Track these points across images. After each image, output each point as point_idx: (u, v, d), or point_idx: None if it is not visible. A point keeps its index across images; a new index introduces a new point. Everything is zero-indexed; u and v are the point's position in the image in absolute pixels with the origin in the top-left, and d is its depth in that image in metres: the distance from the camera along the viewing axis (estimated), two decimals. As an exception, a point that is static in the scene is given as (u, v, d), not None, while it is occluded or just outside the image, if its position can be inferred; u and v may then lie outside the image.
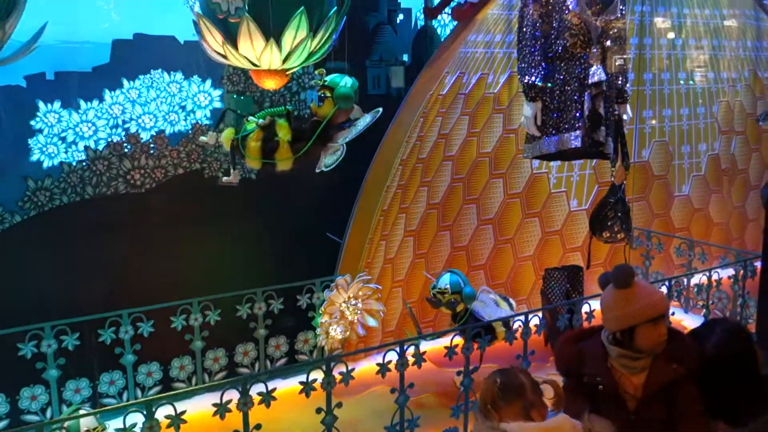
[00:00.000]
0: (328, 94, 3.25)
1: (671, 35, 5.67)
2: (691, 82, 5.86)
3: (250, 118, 3.31)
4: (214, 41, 3.05)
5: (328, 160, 3.26)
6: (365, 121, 3.30)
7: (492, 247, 4.97)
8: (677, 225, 5.91)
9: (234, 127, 3.34)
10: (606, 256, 5.42)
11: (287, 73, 3.26)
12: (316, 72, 3.37)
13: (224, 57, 3.14)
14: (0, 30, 2.69)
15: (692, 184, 5.95)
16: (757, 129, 6.21)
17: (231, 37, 3.01)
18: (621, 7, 3.92)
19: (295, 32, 2.97)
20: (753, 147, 6.34)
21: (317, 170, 3.32)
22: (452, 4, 4.75)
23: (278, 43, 2.99)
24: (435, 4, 5.01)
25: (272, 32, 2.96)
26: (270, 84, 3.23)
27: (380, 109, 3.34)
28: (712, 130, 6.00)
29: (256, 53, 3.00)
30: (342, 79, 3.29)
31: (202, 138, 3.45)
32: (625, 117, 4.07)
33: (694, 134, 5.89)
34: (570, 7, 3.74)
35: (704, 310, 4.54)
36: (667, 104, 5.66)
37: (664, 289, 4.02)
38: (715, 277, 4.44)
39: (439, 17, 5.13)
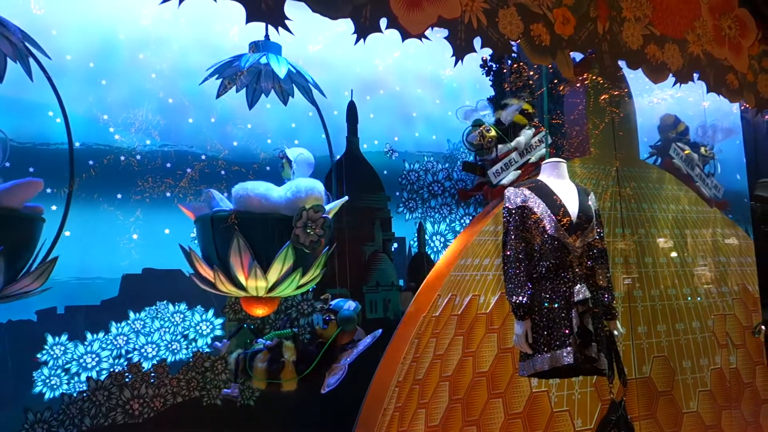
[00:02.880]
0: (333, 317, 3.47)
1: (673, 255, 5.97)
2: (689, 298, 6.03)
3: (259, 340, 3.48)
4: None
5: (330, 380, 3.38)
6: (365, 342, 3.53)
7: (497, 472, 4.81)
8: (690, 444, 5.72)
9: (239, 345, 3.51)
10: (619, 479, 5.19)
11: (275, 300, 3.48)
12: (321, 297, 3.62)
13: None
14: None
15: (699, 400, 5.86)
16: (757, 342, 6.26)
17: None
18: (598, 229, 4.20)
19: (282, 265, 3.21)
20: (756, 360, 6.33)
21: (323, 391, 3.42)
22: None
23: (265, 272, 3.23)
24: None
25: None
26: (259, 311, 3.43)
27: (380, 330, 3.56)
28: (711, 343, 6.04)
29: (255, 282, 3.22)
30: (345, 302, 3.55)
31: (216, 344, 3.60)
32: (616, 333, 4.16)
33: (693, 348, 5.93)
34: (549, 231, 4.00)
35: None
36: (660, 319, 5.77)
37: None
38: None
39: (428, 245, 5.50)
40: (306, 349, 3.53)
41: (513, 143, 5.26)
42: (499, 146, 5.24)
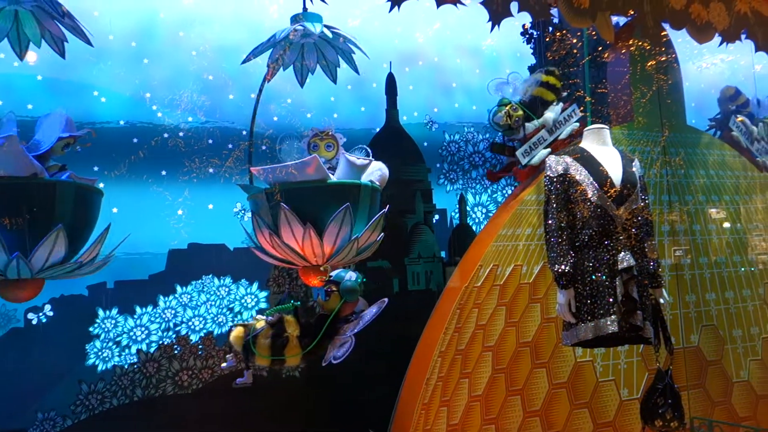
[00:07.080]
0: (334, 289, 3.41)
1: (727, 225, 5.82)
2: (742, 269, 5.87)
3: (258, 316, 3.46)
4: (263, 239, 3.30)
5: (338, 352, 3.30)
6: (371, 312, 3.40)
7: (541, 440, 4.80)
8: (741, 414, 5.61)
9: (243, 326, 3.46)
10: (667, 448, 5.13)
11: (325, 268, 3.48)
12: (320, 268, 3.55)
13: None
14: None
15: (750, 369, 5.73)
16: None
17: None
18: (642, 195, 4.11)
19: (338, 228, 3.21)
20: (810, 328, 6.15)
21: (324, 363, 3.34)
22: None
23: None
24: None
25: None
26: (316, 281, 3.44)
27: (386, 300, 3.45)
28: (763, 311, 5.89)
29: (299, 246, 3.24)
30: (347, 273, 3.45)
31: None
32: (662, 301, 4.09)
33: (743, 317, 5.79)
34: (592, 199, 3.94)
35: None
36: (709, 288, 5.65)
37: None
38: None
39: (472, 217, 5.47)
40: (308, 323, 3.41)
41: (540, 120, 5.01)
42: (527, 124, 4.99)
